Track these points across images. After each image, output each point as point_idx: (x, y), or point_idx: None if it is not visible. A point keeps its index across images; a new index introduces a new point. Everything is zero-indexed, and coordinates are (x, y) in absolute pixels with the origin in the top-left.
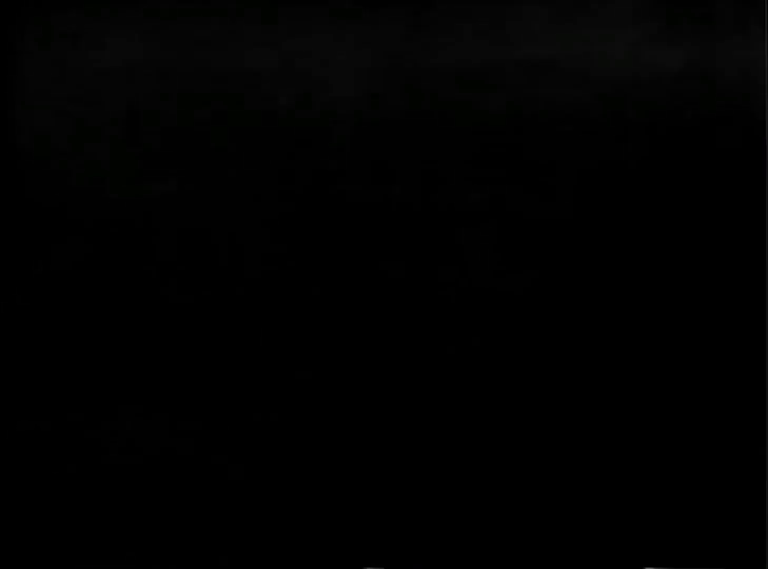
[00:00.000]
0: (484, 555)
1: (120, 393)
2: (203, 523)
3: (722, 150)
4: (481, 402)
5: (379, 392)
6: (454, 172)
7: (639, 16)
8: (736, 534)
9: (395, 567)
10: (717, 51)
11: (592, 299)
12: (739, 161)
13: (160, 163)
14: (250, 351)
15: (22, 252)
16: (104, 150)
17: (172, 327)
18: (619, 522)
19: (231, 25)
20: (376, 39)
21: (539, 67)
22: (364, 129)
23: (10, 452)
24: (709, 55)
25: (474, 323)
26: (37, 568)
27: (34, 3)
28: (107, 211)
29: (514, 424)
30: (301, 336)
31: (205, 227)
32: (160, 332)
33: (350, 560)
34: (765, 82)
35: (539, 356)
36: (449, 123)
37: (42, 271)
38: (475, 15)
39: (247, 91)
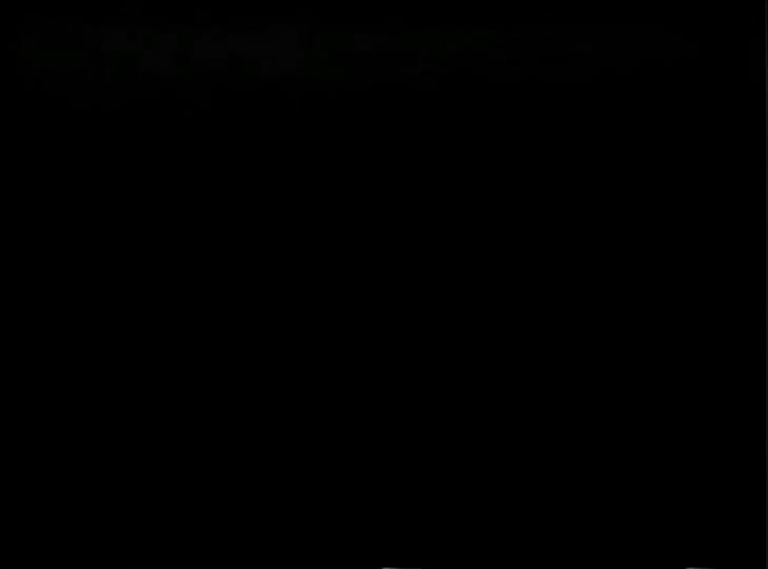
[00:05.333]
0: (482, 554)
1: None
2: (202, 524)
3: (721, 145)
4: (478, 400)
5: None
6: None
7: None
8: (735, 534)
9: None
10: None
11: (585, 293)
12: (739, 158)
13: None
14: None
15: None
16: None
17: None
18: (618, 522)
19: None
20: None
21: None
22: None
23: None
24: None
25: (473, 321)
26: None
27: None
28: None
29: (508, 426)
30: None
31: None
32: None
33: (350, 560)
34: (765, 81)
35: (538, 355)
36: None
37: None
38: None
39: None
